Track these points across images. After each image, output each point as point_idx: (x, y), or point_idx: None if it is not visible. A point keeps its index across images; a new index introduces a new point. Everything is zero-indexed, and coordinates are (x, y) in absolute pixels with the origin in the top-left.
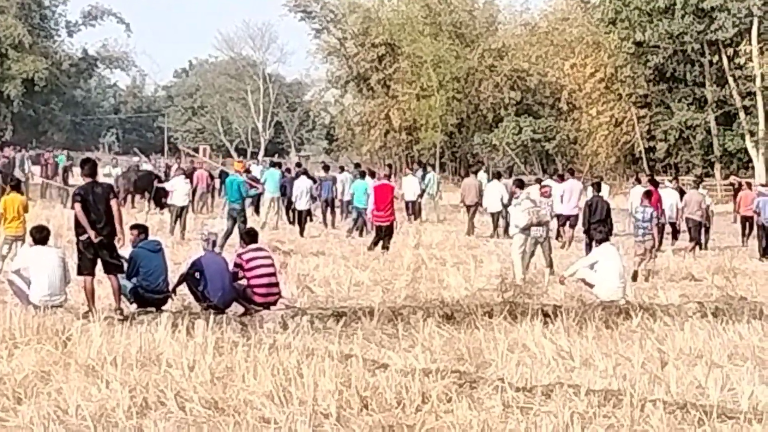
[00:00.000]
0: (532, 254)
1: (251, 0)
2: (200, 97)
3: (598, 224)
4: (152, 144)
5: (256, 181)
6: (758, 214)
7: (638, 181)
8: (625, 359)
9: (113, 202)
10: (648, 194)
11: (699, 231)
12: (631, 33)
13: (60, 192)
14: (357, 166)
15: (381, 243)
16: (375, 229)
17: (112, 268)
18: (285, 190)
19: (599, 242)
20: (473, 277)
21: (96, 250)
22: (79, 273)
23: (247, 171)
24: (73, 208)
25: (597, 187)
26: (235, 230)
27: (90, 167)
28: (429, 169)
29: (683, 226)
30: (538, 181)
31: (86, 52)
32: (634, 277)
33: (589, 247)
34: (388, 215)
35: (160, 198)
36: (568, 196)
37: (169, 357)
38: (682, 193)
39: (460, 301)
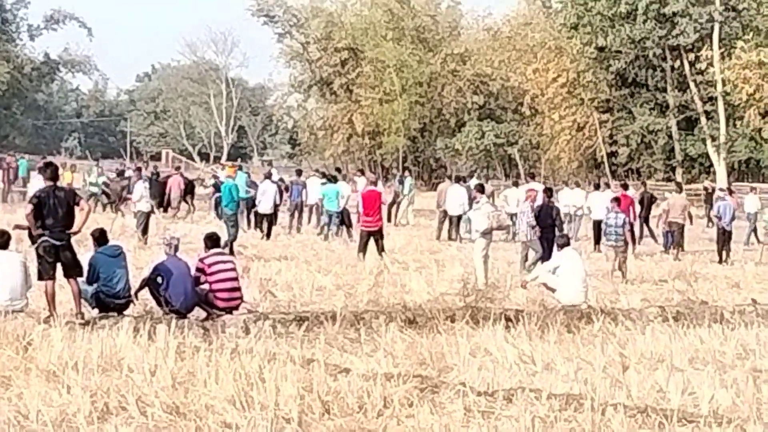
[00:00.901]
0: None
1: (214, 4)
2: (163, 101)
3: (546, 228)
4: (114, 148)
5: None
6: (719, 219)
7: (605, 185)
8: (586, 363)
9: (78, 207)
10: (617, 200)
11: (681, 234)
12: (593, 38)
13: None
14: (338, 170)
15: (365, 248)
16: (360, 234)
17: (71, 272)
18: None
19: (561, 247)
20: (436, 281)
21: (56, 254)
22: (40, 278)
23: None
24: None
25: (549, 192)
26: (198, 233)
27: (52, 171)
28: (406, 174)
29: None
30: (515, 183)
31: (48, 56)
32: (624, 276)
33: (543, 250)
34: (377, 220)
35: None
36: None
37: (131, 362)
38: (652, 199)
39: (422, 306)
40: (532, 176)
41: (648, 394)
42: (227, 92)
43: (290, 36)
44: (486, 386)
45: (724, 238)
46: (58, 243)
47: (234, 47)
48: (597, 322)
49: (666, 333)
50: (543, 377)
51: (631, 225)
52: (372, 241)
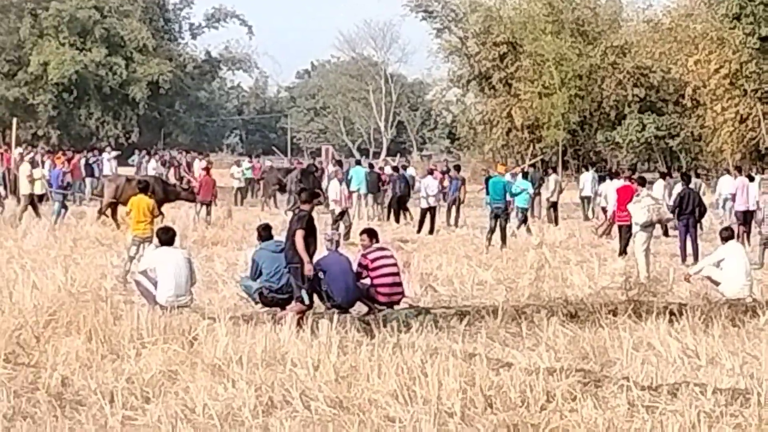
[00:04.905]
0: None
1: (372, 0)
2: (322, 98)
3: (688, 215)
4: (275, 145)
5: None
6: None
7: (739, 171)
8: (752, 357)
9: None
10: None
11: None
12: (756, 28)
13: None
14: (541, 163)
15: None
16: (618, 228)
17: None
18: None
19: (725, 240)
20: (597, 275)
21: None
22: None
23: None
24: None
25: (687, 179)
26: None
27: (307, 195)
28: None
29: None
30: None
31: (209, 54)
32: None
33: (684, 237)
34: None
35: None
36: (741, 192)
37: (294, 356)
38: None
39: (584, 300)
40: (739, 170)
41: None
42: (386, 88)
43: (449, 31)
44: (650, 381)
45: None
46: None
47: (393, 43)
48: (763, 316)
49: None
50: (707, 372)
51: None
52: None
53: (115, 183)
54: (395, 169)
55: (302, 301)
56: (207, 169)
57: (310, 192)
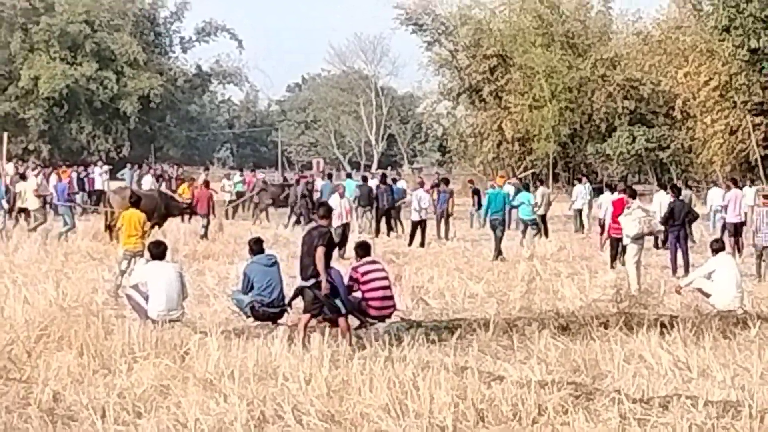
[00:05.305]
0: None
1: (363, 14)
2: (313, 111)
3: (678, 227)
4: (266, 158)
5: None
6: None
7: (734, 183)
8: (743, 369)
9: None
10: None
11: None
12: (746, 40)
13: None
14: (532, 176)
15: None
16: (610, 241)
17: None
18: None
19: (715, 252)
20: (588, 287)
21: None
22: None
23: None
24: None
25: (677, 191)
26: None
27: (324, 210)
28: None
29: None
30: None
31: (200, 68)
32: None
33: (674, 249)
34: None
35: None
36: (734, 204)
37: (286, 370)
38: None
39: (575, 312)
40: (734, 182)
41: None
42: (377, 101)
43: (439, 44)
44: (641, 393)
45: None
46: (302, 284)
47: (383, 56)
48: (753, 328)
49: None
50: (699, 384)
51: None
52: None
53: (120, 195)
54: (383, 181)
55: (340, 312)
56: (206, 183)
57: (328, 207)
